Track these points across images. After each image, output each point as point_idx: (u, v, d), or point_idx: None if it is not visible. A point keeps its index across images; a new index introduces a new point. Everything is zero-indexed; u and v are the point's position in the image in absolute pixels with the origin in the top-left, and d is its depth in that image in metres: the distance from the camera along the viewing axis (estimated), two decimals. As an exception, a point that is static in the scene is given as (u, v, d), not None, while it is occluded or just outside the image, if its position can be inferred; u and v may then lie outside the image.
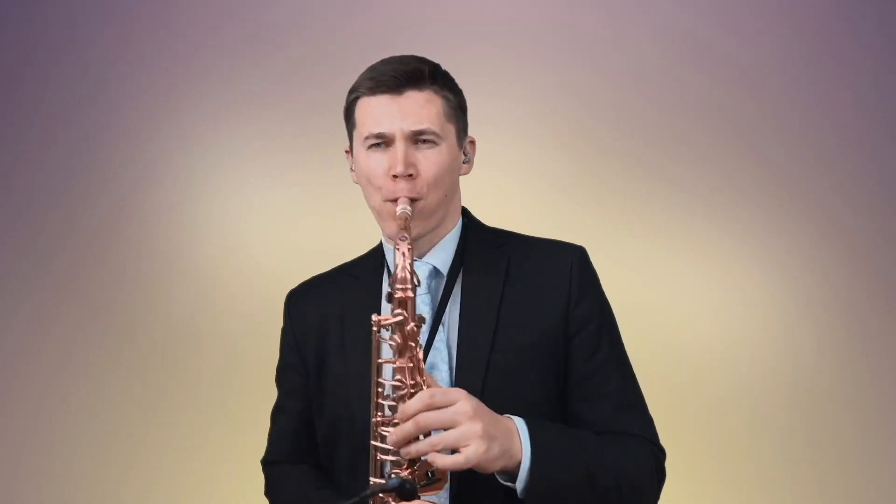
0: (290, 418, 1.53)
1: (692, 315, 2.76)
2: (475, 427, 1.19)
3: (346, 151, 1.51)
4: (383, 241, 1.50)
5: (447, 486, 1.27)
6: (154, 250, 2.81)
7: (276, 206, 2.82)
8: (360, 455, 1.34)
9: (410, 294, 1.24)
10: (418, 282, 1.26)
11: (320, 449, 1.48)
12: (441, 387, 1.28)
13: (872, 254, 2.75)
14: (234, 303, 2.78)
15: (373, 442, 1.27)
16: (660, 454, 1.40)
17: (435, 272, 1.42)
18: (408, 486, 1.17)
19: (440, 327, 1.38)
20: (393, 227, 1.34)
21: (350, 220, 2.69)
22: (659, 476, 1.39)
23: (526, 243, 1.47)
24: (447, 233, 1.44)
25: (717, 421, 2.70)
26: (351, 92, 1.44)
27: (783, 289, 2.77)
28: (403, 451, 1.21)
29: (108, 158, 2.84)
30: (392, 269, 1.28)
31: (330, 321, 1.47)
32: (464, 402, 1.20)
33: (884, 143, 2.76)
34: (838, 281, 2.74)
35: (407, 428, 1.20)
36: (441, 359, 1.37)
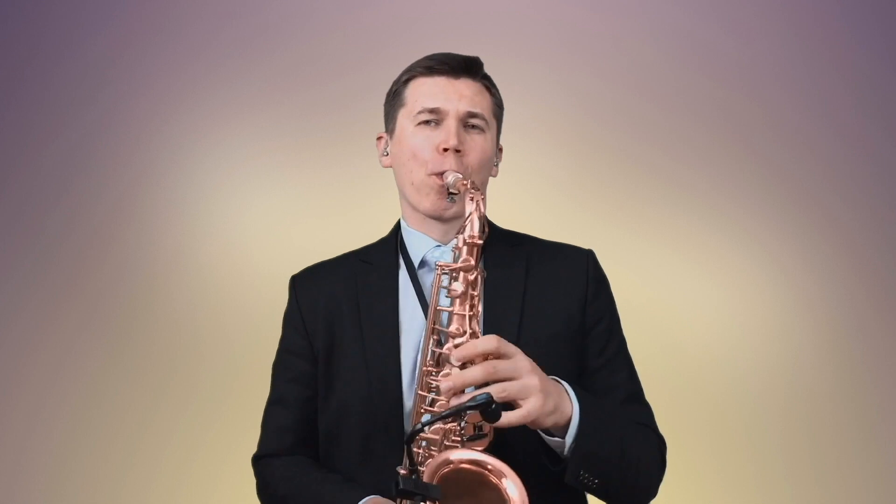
0: (292, 408, 1.47)
1: (692, 315, 2.76)
2: (534, 381, 1.19)
3: (379, 137, 1.52)
4: (403, 226, 1.50)
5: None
6: (154, 250, 2.81)
7: (276, 205, 2.82)
8: (374, 439, 1.34)
9: (479, 241, 1.26)
10: (487, 233, 1.28)
11: (322, 439, 1.45)
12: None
13: (872, 253, 2.75)
14: (234, 303, 2.77)
15: (420, 391, 1.26)
16: (662, 445, 1.43)
17: None
18: (494, 405, 1.12)
19: None
20: (432, 201, 1.39)
21: (350, 220, 2.70)
22: (662, 464, 1.41)
23: (541, 244, 1.51)
24: None
25: (717, 421, 2.70)
26: (404, 74, 1.47)
27: (783, 289, 2.77)
28: (467, 398, 1.16)
29: (108, 158, 2.84)
30: (463, 220, 1.28)
31: (342, 304, 1.45)
32: (522, 356, 1.21)
33: (884, 143, 2.77)
34: (838, 281, 2.75)
35: (474, 373, 1.17)
36: None
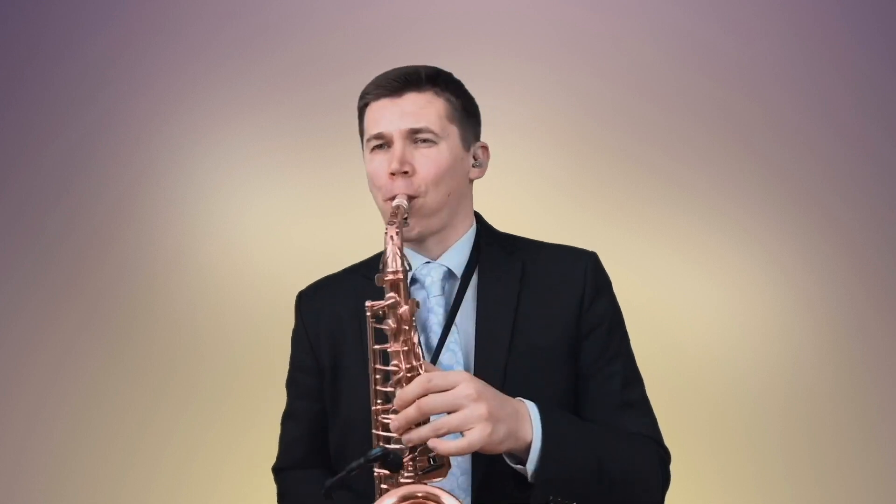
0: (302, 423, 1.51)
1: (692, 315, 2.76)
2: (479, 409, 1.17)
3: None
4: None
5: (452, 471, 1.25)
6: (154, 250, 2.81)
7: (276, 206, 2.82)
8: (366, 471, 1.33)
9: (401, 276, 1.25)
10: (409, 265, 1.27)
11: (333, 452, 1.47)
12: (440, 370, 1.27)
13: (872, 253, 2.75)
14: (234, 303, 2.77)
15: (374, 431, 1.27)
16: (665, 455, 1.40)
17: (449, 274, 1.43)
18: (391, 456, 1.15)
19: (453, 328, 1.39)
20: None
21: (350, 220, 2.70)
22: (664, 475, 1.38)
23: (539, 248, 1.49)
24: (460, 236, 1.46)
25: (717, 421, 2.70)
26: (360, 100, 1.47)
27: (783, 289, 2.77)
28: (405, 437, 1.19)
29: (108, 158, 2.84)
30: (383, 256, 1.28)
31: (345, 321, 1.46)
32: (465, 384, 1.19)
33: (884, 143, 2.76)
34: (838, 281, 2.75)
35: (409, 413, 1.18)
36: (456, 361, 1.37)
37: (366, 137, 1.43)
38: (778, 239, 2.76)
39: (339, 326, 1.47)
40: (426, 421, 1.20)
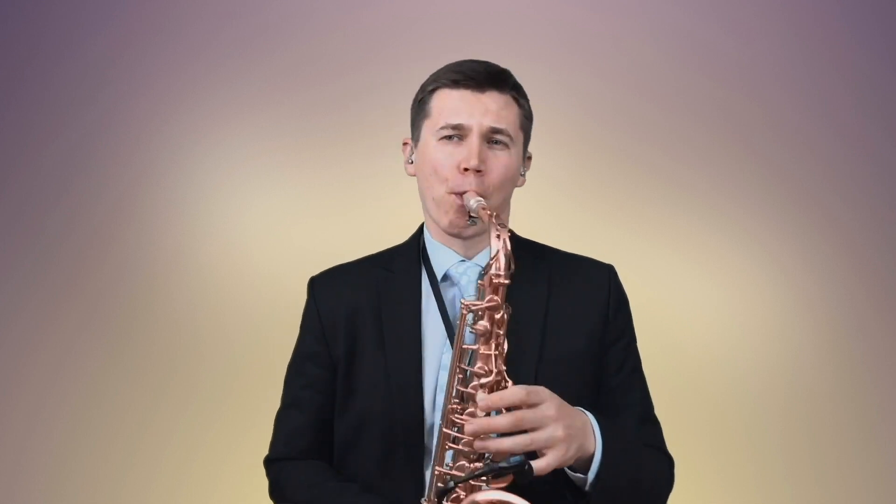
0: (307, 413, 1.46)
1: (692, 315, 2.76)
2: (559, 431, 1.19)
3: (404, 143, 1.50)
4: (426, 236, 1.48)
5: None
6: (154, 250, 2.81)
7: (276, 206, 2.82)
8: (394, 451, 1.34)
9: (505, 281, 1.24)
10: (513, 271, 1.25)
11: (338, 447, 1.44)
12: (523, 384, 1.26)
13: (872, 253, 2.75)
14: (234, 303, 2.77)
15: (445, 429, 1.25)
16: (671, 465, 1.44)
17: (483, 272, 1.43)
18: (527, 467, 1.15)
19: None
20: (451, 218, 1.37)
21: (350, 220, 2.71)
22: (670, 484, 1.42)
23: (563, 258, 1.51)
24: None
25: (717, 421, 2.70)
26: (429, 83, 1.43)
27: (783, 289, 2.77)
28: (494, 445, 1.19)
29: (108, 158, 2.84)
30: (489, 255, 1.25)
31: (363, 312, 1.44)
32: (549, 403, 1.20)
33: (884, 143, 2.77)
34: (838, 280, 2.75)
35: (499, 422, 1.18)
36: None
37: (437, 124, 1.39)
38: (778, 239, 2.76)
39: (357, 316, 1.44)
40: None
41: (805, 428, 2.70)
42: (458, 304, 1.37)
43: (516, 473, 1.16)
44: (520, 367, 1.33)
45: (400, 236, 1.56)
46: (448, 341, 1.38)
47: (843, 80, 2.78)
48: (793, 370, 2.73)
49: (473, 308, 1.24)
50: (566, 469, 1.26)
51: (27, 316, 2.79)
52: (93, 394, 2.76)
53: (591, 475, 1.24)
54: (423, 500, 1.25)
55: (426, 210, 1.45)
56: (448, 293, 1.42)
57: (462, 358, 1.26)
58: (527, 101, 1.47)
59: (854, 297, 2.74)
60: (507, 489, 1.20)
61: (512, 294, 1.33)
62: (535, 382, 1.31)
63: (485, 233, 1.38)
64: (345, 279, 1.50)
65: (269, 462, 1.50)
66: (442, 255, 1.44)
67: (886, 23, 2.78)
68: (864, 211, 2.75)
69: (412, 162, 1.47)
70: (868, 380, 2.71)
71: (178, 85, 2.84)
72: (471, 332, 1.25)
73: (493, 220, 1.26)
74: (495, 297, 1.23)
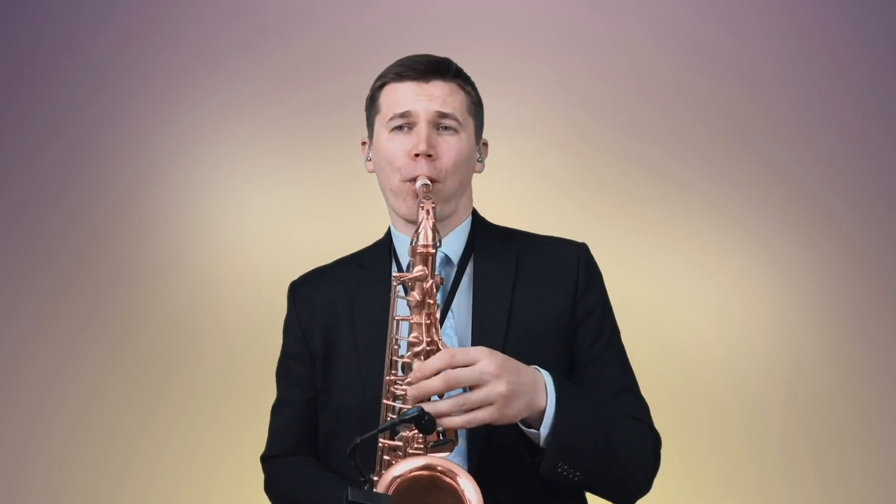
0: (294, 410, 1.52)
1: (692, 315, 2.76)
2: (499, 387, 1.19)
3: (363, 143, 1.55)
4: (392, 230, 1.52)
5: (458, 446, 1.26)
6: (154, 250, 2.81)
7: (275, 205, 2.82)
8: (370, 442, 1.34)
9: (432, 251, 1.27)
10: (440, 242, 1.28)
11: (322, 440, 1.49)
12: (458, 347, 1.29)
13: (872, 253, 2.75)
14: (234, 303, 2.77)
15: (385, 400, 1.28)
16: (656, 439, 1.42)
17: (446, 260, 1.45)
18: (426, 418, 1.15)
19: (449, 314, 1.41)
20: (409, 205, 1.40)
21: (350, 220, 2.70)
22: (655, 458, 1.40)
23: (533, 239, 1.52)
24: (459, 224, 1.48)
25: (717, 421, 2.70)
26: (377, 80, 1.48)
27: (783, 289, 2.77)
28: (430, 407, 1.19)
29: (108, 158, 2.84)
30: (414, 232, 1.29)
31: (338, 309, 1.48)
32: (487, 360, 1.20)
33: (884, 143, 2.76)
34: (838, 281, 2.74)
35: (431, 384, 1.19)
36: (452, 345, 1.38)
37: (386, 116, 1.44)
38: (778, 239, 2.76)
39: (332, 314, 1.49)
40: (440, 396, 1.21)
41: (805, 428, 2.70)
42: None
43: (417, 425, 1.16)
44: (488, 345, 1.34)
45: (400, 236, 1.56)
46: None
47: (843, 80, 2.78)
48: (793, 370, 2.73)
49: (403, 279, 1.27)
50: (520, 424, 1.26)
51: (27, 316, 2.79)
52: (93, 394, 2.76)
53: (544, 429, 1.24)
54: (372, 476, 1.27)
55: (388, 203, 1.50)
56: None
57: (399, 330, 1.30)
58: (473, 88, 1.49)
59: (854, 297, 2.74)
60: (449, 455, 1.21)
61: (479, 275, 1.38)
62: None
63: (445, 219, 1.43)
64: (321, 280, 1.56)
65: (262, 460, 1.57)
66: (406, 246, 1.45)
67: (886, 23, 2.78)
68: (864, 211, 2.75)
69: (370, 159, 1.51)
70: (868, 380, 2.71)
71: (178, 85, 2.84)
72: (408, 304, 1.28)
73: (423, 195, 1.31)
74: (424, 268, 1.26)
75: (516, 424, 1.26)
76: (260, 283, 2.73)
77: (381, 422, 1.29)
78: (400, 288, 1.31)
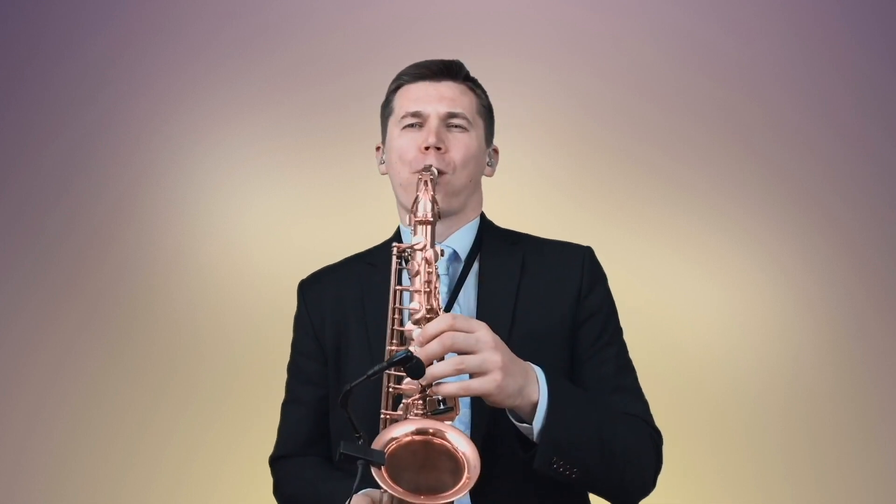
0: (306, 408, 1.52)
1: (692, 315, 2.76)
2: (495, 357, 1.19)
3: (377, 148, 1.58)
4: (401, 228, 1.54)
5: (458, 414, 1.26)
6: (154, 250, 2.81)
7: (276, 206, 2.82)
8: (371, 414, 1.33)
9: (430, 219, 1.31)
10: (440, 214, 1.33)
11: (333, 436, 1.48)
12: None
13: (872, 253, 2.75)
14: (234, 303, 2.77)
15: (387, 371, 1.28)
16: (657, 438, 1.42)
17: (454, 256, 1.47)
18: (414, 360, 1.15)
19: (455, 308, 1.43)
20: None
21: (350, 220, 2.70)
22: (657, 457, 1.40)
23: (539, 242, 1.54)
24: (468, 222, 1.51)
25: (717, 421, 2.70)
26: (392, 83, 1.53)
27: (783, 289, 2.77)
28: (427, 371, 1.19)
29: (108, 158, 2.84)
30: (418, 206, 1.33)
31: (348, 306, 1.50)
32: (485, 331, 1.21)
33: (884, 143, 2.77)
34: (838, 281, 2.75)
35: (431, 348, 1.19)
36: None
37: (399, 115, 1.48)
38: (778, 239, 2.76)
39: (342, 311, 1.50)
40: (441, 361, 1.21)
41: (805, 428, 2.70)
42: None
43: (406, 368, 1.16)
44: None
45: (399, 236, 1.56)
46: None
47: (843, 80, 2.78)
48: (793, 370, 2.73)
49: (400, 249, 1.32)
50: (509, 416, 1.26)
51: (27, 316, 2.79)
52: (93, 394, 2.76)
53: (537, 423, 1.23)
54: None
55: (398, 200, 1.52)
56: None
57: (400, 300, 1.32)
58: (484, 93, 1.54)
59: (854, 297, 2.74)
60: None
61: (485, 273, 1.41)
62: None
63: (454, 215, 1.47)
64: (331, 278, 1.57)
65: (271, 461, 1.56)
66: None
67: (886, 23, 2.78)
68: (864, 211, 2.75)
69: (383, 162, 1.55)
70: (868, 380, 2.71)
71: (178, 85, 2.84)
72: (407, 272, 1.31)
73: (427, 169, 1.37)
74: (421, 238, 1.30)
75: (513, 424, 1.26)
76: (260, 283, 2.74)
77: (382, 393, 1.29)
78: (402, 260, 1.34)
